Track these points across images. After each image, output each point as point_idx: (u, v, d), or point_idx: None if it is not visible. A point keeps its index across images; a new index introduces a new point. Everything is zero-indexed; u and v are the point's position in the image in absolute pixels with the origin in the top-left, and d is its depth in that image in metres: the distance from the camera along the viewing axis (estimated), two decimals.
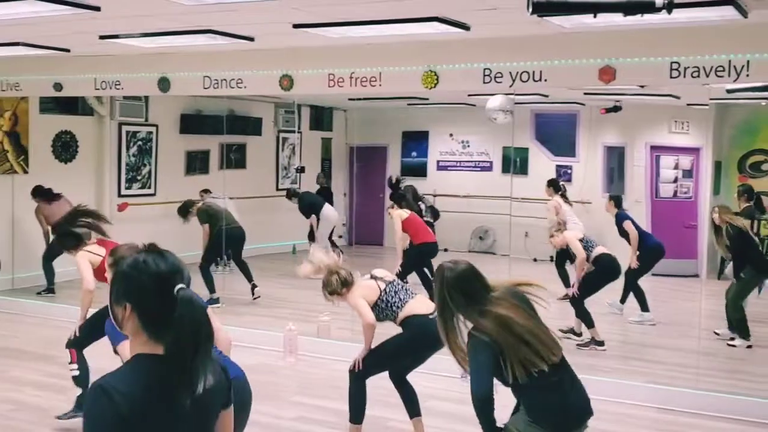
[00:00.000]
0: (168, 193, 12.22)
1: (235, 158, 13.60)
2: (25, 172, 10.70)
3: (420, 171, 15.56)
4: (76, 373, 5.59)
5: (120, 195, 11.91)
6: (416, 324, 4.98)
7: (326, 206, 11.82)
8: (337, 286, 5.10)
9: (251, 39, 7.04)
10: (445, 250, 14.54)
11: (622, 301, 9.26)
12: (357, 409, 5.20)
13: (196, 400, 2.00)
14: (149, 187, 12.43)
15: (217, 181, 12.55)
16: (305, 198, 11.97)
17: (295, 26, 6.29)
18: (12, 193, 10.49)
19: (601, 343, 7.88)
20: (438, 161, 15.53)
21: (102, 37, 7.07)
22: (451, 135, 15.34)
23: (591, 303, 8.06)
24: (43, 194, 10.10)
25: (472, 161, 15.20)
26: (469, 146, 15.21)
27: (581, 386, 3.59)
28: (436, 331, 3.67)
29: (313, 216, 11.60)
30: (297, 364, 7.17)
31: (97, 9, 5.77)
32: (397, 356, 5.11)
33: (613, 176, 12.94)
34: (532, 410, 3.48)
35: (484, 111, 9.56)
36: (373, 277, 5.21)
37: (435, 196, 15.03)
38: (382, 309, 5.07)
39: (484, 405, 3.38)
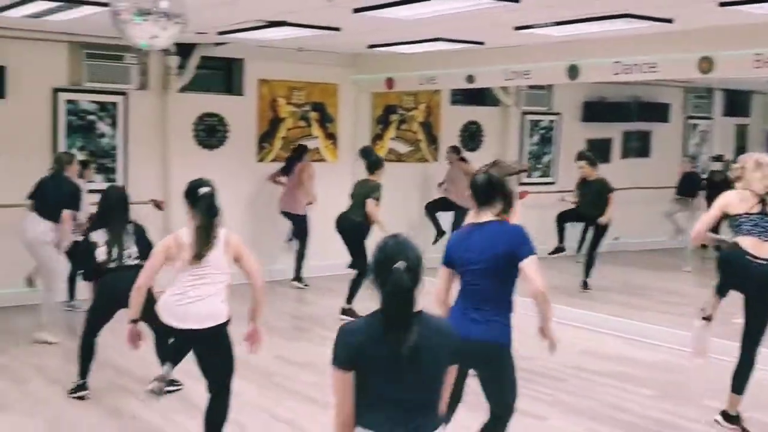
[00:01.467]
0: (567, 182, 12.17)
1: (637, 146, 13.13)
2: (435, 160, 11.44)
3: None
4: None
5: (521, 183, 12.17)
6: None
7: None
8: None
9: (669, 21, 6.63)
10: None
11: None
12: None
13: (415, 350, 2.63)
14: (549, 176, 12.52)
15: (618, 170, 12.21)
16: None
17: (721, 4, 5.77)
18: (424, 180, 11.29)
19: None
20: None
21: (517, 28, 7.21)
22: None
23: None
24: None
25: None
26: None
27: None
28: None
29: None
30: (706, 366, 6.65)
31: (516, 0, 5.86)
32: None
33: None
34: None
35: None
36: None
37: None
38: None
39: None
